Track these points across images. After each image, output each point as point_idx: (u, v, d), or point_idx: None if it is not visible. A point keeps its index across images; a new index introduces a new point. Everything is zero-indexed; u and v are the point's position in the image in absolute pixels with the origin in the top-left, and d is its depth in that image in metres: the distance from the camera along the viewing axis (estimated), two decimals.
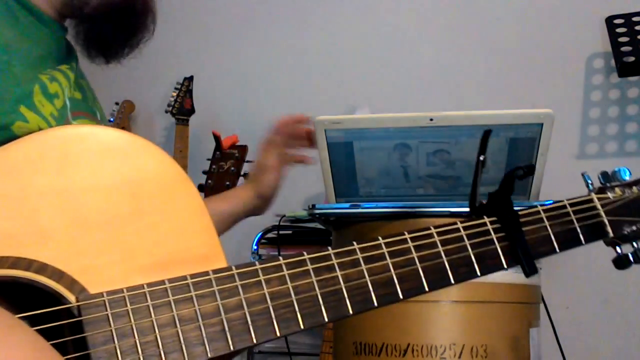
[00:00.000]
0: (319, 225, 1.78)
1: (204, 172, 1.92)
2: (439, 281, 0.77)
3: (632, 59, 1.70)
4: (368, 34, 2.23)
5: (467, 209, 1.23)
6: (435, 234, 0.79)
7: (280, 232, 2.00)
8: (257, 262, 0.72)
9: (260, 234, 1.99)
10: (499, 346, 1.21)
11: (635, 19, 1.77)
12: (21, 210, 0.68)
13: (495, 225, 0.82)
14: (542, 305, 1.35)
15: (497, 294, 1.21)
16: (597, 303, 1.90)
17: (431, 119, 1.17)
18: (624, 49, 1.72)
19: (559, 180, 1.71)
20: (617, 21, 1.78)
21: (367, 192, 1.31)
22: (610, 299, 1.88)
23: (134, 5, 0.92)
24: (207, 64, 2.36)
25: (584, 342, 1.84)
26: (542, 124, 1.17)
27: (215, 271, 0.70)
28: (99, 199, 0.71)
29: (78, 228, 0.69)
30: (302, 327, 0.71)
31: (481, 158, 0.87)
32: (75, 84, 0.92)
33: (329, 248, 0.76)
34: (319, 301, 0.72)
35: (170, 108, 2.21)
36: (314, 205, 1.28)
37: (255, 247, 1.99)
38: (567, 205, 0.87)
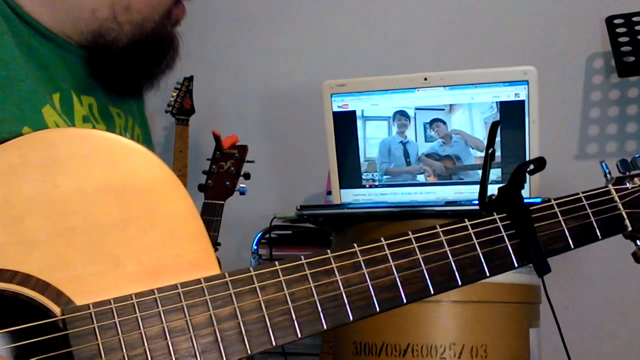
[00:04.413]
0: None
1: (204, 172, 1.92)
2: (445, 283, 0.74)
3: (632, 59, 1.70)
4: (369, 35, 2.23)
5: (460, 208, 1.26)
6: (441, 233, 0.76)
7: (280, 232, 2.00)
8: (251, 268, 0.69)
9: (259, 234, 2.00)
10: (498, 346, 1.21)
11: (635, 19, 1.77)
12: (4, 219, 0.65)
13: (505, 222, 0.78)
14: (541, 306, 1.35)
15: (497, 294, 1.21)
16: (597, 303, 1.89)
17: (425, 79, 1.28)
18: (624, 49, 1.72)
19: (559, 180, 1.71)
20: (617, 21, 1.78)
21: (369, 179, 1.34)
22: (610, 298, 1.88)
23: (161, 43, 0.88)
24: (207, 64, 2.36)
25: (584, 343, 1.84)
26: (527, 82, 1.25)
27: (207, 279, 0.68)
28: (86, 206, 0.67)
29: (64, 236, 0.66)
30: (299, 335, 0.68)
31: (490, 151, 0.83)
32: (99, 113, 0.88)
33: (329, 251, 0.72)
34: (317, 308, 0.69)
35: (170, 108, 2.21)
36: (301, 207, 1.30)
37: (255, 247, 1.99)
38: (583, 198, 0.82)
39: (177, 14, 0.90)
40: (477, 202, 1.26)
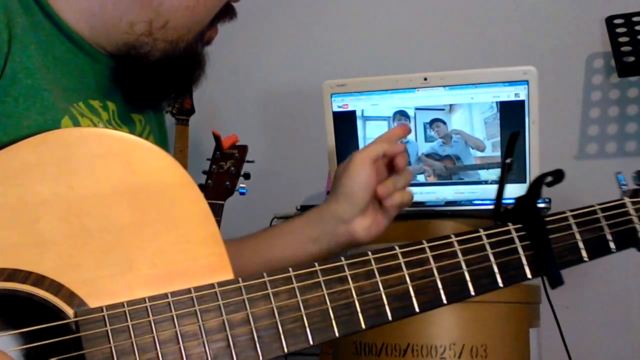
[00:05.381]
0: None
1: (204, 172, 1.92)
2: (458, 293, 0.74)
3: (632, 59, 1.70)
4: (369, 35, 2.23)
5: (460, 208, 1.27)
6: (455, 243, 0.75)
7: None
8: (264, 274, 0.69)
9: None
10: (498, 346, 1.21)
11: (635, 19, 1.77)
12: (19, 220, 0.64)
13: (520, 233, 0.78)
14: (541, 306, 1.35)
15: (497, 294, 1.21)
16: (597, 303, 1.89)
17: (425, 79, 1.28)
18: (624, 49, 1.72)
19: None
20: (617, 21, 1.77)
21: None
22: (610, 298, 1.88)
23: (190, 62, 0.90)
24: (207, 64, 2.36)
25: (584, 343, 1.84)
26: (527, 82, 1.25)
27: (220, 284, 0.67)
28: (100, 207, 0.67)
29: (78, 238, 0.66)
30: (311, 343, 0.68)
31: (508, 161, 0.83)
32: (120, 118, 0.88)
33: (342, 258, 0.72)
34: (329, 315, 0.69)
35: (170, 108, 2.20)
36: (301, 207, 1.31)
37: None
38: (598, 211, 0.82)
39: (210, 35, 0.93)
40: (477, 202, 1.28)
